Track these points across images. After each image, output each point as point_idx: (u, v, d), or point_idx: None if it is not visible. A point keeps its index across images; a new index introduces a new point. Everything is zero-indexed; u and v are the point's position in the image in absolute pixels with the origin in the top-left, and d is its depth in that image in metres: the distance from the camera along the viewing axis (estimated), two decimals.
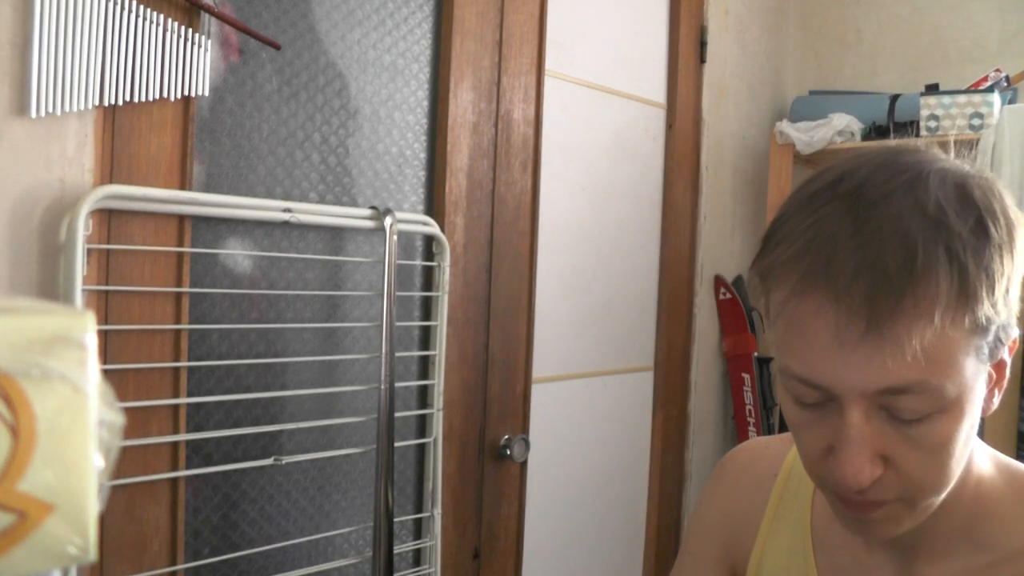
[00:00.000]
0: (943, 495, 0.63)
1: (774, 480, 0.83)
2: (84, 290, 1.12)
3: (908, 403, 0.58)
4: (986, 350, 0.60)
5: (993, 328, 0.59)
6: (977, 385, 0.61)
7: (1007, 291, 0.59)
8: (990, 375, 0.63)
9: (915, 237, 0.56)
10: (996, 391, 0.65)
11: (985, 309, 0.57)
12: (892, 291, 0.55)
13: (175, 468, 1.25)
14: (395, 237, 1.43)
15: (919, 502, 0.62)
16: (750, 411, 2.32)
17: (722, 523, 0.86)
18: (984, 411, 0.64)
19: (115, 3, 1.12)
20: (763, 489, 0.83)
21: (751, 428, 2.33)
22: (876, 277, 0.56)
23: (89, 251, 1.13)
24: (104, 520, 1.17)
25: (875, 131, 2.28)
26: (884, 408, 0.59)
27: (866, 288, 0.56)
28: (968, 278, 0.56)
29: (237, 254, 1.34)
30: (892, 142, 2.23)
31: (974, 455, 0.68)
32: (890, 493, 0.61)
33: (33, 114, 1.06)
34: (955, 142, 0.66)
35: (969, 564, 0.67)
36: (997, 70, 2.23)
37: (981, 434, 2.25)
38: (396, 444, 1.47)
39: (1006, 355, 0.63)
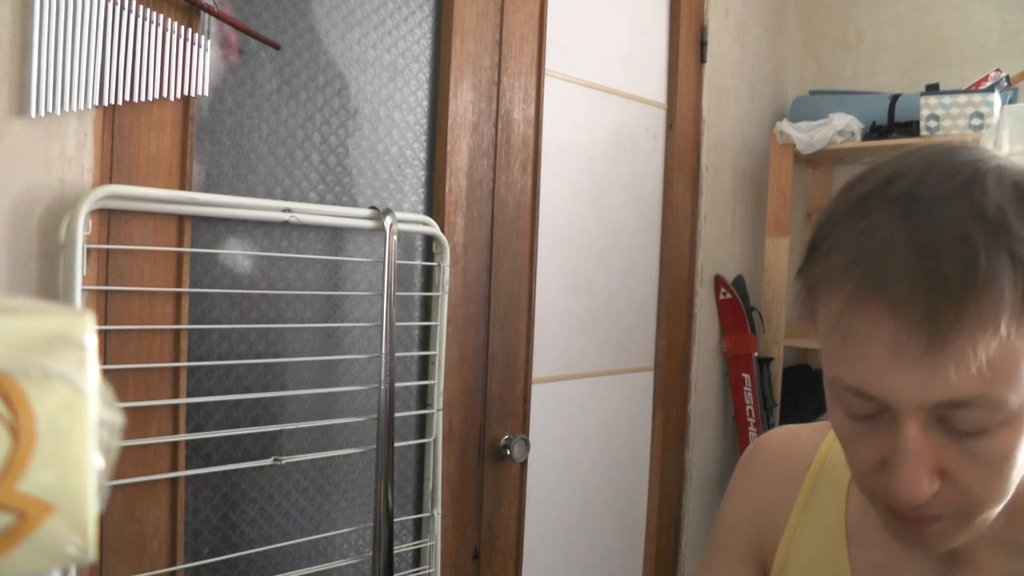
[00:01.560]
0: (999, 508, 0.60)
1: (806, 472, 0.80)
2: (84, 290, 1.12)
3: (968, 416, 0.55)
4: None
5: None
6: None
7: None
8: None
9: (976, 243, 0.53)
10: None
11: None
12: (954, 302, 0.52)
13: (175, 468, 1.25)
14: (395, 237, 1.43)
15: (975, 516, 0.60)
16: (750, 411, 2.32)
17: (751, 515, 0.83)
18: None
19: (115, 3, 1.12)
20: (794, 480, 0.80)
21: (751, 428, 2.33)
22: (936, 287, 0.53)
23: (89, 251, 1.13)
24: (104, 520, 1.17)
25: (875, 131, 2.28)
26: (941, 420, 0.56)
27: (926, 299, 0.53)
28: None
29: (237, 254, 1.34)
30: (916, 141, 2.23)
31: None
32: (947, 508, 0.58)
33: (33, 114, 1.06)
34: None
35: (1011, 569, 0.66)
36: (997, 70, 2.23)
37: None
38: (396, 444, 1.47)
39: None
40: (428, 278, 1.60)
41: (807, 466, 0.80)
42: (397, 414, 1.49)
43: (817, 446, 0.81)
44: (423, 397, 1.59)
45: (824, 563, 0.75)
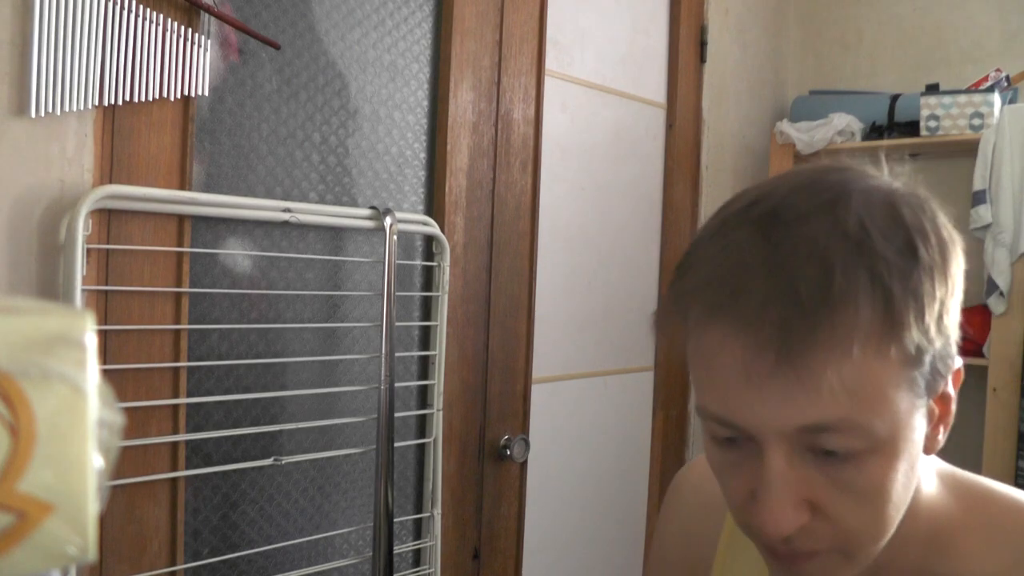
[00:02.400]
0: (882, 543, 0.57)
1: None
2: (84, 290, 1.12)
3: (834, 441, 0.52)
4: (922, 383, 0.54)
5: (927, 358, 0.53)
6: (913, 422, 0.55)
7: (940, 317, 0.54)
8: (931, 410, 0.57)
9: (832, 260, 0.51)
10: (942, 428, 0.59)
11: (914, 337, 0.52)
12: (805, 320, 0.50)
13: (175, 468, 1.25)
14: (395, 237, 1.43)
15: (855, 553, 0.56)
16: None
17: (680, 550, 0.81)
18: (927, 450, 0.58)
19: (115, 3, 1.12)
20: (718, 513, 0.77)
21: None
22: (788, 305, 0.50)
23: (89, 251, 1.13)
24: (104, 520, 1.17)
25: (875, 131, 2.28)
26: (809, 449, 0.53)
27: (776, 317, 0.51)
28: (893, 303, 0.51)
29: (237, 254, 1.34)
30: (916, 141, 2.23)
31: (922, 485, 0.62)
32: (821, 543, 0.55)
33: (33, 114, 1.06)
34: (888, 154, 0.61)
35: None
36: (997, 70, 2.23)
37: (980, 435, 2.22)
38: (396, 444, 1.47)
39: (950, 388, 0.58)
40: (428, 278, 1.60)
41: None
42: (397, 414, 1.49)
43: None
44: (423, 397, 1.59)
45: None
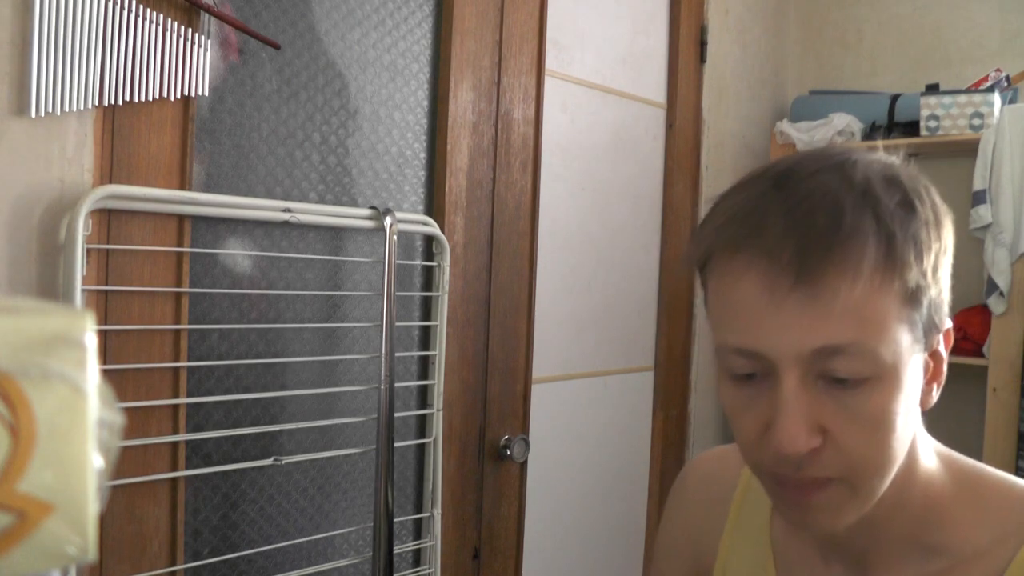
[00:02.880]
0: (886, 479, 0.61)
1: (733, 493, 0.81)
2: (84, 290, 1.12)
3: (843, 366, 0.57)
4: (920, 326, 0.59)
5: (924, 301, 0.59)
6: (912, 362, 0.60)
7: (936, 268, 0.60)
8: (927, 364, 0.62)
9: (843, 202, 0.57)
10: (935, 385, 0.64)
11: (914, 276, 0.58)
12: (820, 246, 0.56)
13: (175, 468, 1.25)
14: (395, 237, 1.43)
15: (861, 484, 0.60)
16: None
17: (686, 541, 0.85)
18: (923, 404, 0.63)
19: (115, 3, 1.12)
20: (723, 502, 0.81)
21: None
22: (804, 235, 0.57)
23: (89, 251, 1.13)
24: (104, 520, 1.17)
25: (875, 131, 2.28)
26: (821, 377, 0.58)
27: (795, 245, 0.57)
28: (895, 243, 0.57)
29: (237, 254, 1.34)
30: (916, 141, 2.23)
31: (919, 455, 0.66)
32: (829, 470, 0.59)
33: (33, 114, 1.06)
34: (886, 149, 0.67)
35: (922, 571, 0.66)
36: (997, 70, 2.23)
37: (980, 435, 2.22)
38: (396, 444, 1.47)
39: (942, 347, 0.63)
40: (428, 278, 1.60)
41: (734, 487, 0.81)
42: (397, 414, 1.49)
43: (742, 466, 0.82)
44: (423, 397, 1.59)
45: None
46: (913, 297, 0.58)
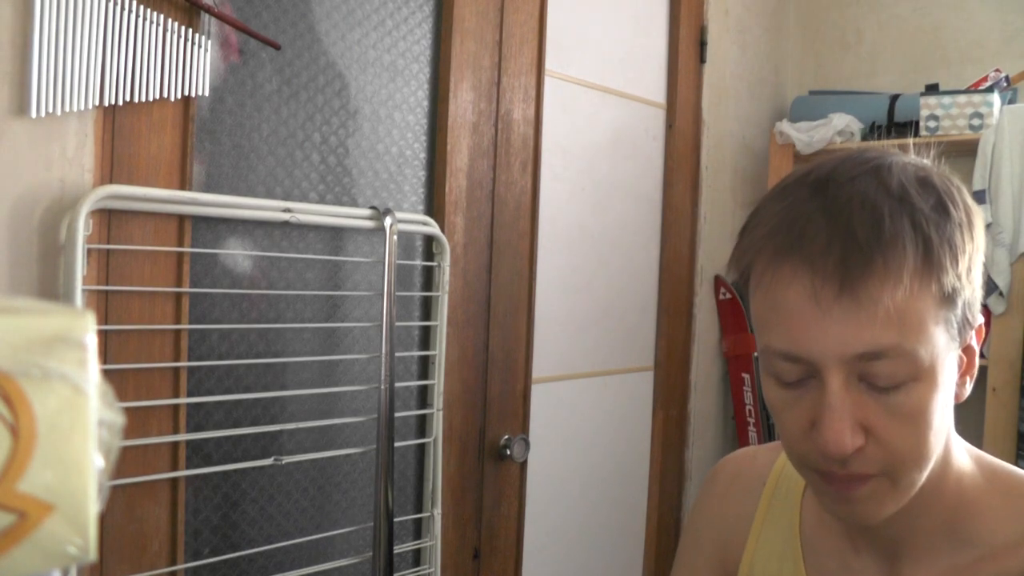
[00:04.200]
0: (924, 471, 0.64)
1: (763, 488, 0.83)
2: (84, 290, 1.12)
3: (884, 368, 0.60)
4: (955, 325, 0.62)
5: (960, 302, 0.62)
6: (948, 360, 0.63)
7: (969, 269, 0.62)
8: (960, 359, 0.65)
9: (881, 209, 0.60)
10: (968, 378, 0.67)
11: (950, 279, 0.60)
12: (862, 255, 0.59)
13: (175, 468, 1.25)
14: (395, 237, 1.43)
15: (901, 476, 0.63)
16: (750, 411, 2.32)
17: (715, 534, 0.87)
18: (957, 396, 0.66)
19: (115, 3, 1.12)
20: (752, 496, 0.84)
21: (751, 428, 2.33)
22: (847, 244, 0.59)
23: (89, 251, 1.13)
24: (104, 520, 1.17)
25: (875, 131, 2.28)
26: (863, 379, 0.61)
27: (838, 254, 0.59)
28: (932, 247, 0.60)
29: (237, 254, 1.34)
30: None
31: (952, 450, 0.69)
32: (872, 466, 0.62)
33: (33, 114, 1.06)
34: (915, 145, 0.70)
35: (953, 562, 0.68)
36: (997, 70, 2.23)
37: (980, 435, 2.23)
38: (396, 444, 1.47)
39: (974, 342, 0.66)
40: (428, 278, 1.60)
41: (764, 483, 0.84)
42: (397, 414, 1.49)
43: (772, 463, 0.85)
44: (423, 397, 1.59)
45: (785, 573, 0.78)
46: (949, 299, 0.61)
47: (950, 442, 0.68)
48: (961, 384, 0.66)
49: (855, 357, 0.60)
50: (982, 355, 2.11)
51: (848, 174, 0.63)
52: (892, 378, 0.60)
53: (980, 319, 0.66)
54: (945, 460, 0.67)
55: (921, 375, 0.60)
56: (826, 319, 0.60)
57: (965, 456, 0.71)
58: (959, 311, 0.62)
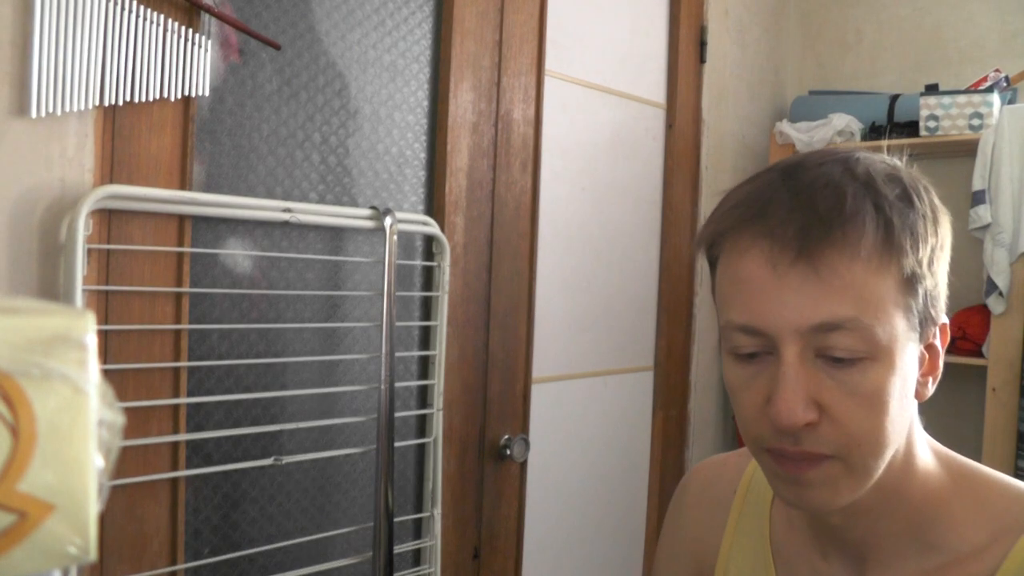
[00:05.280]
0: (880, 459, 0.63)
1: (733, 496, 0.83)
2: (84, 290, 1.12)
3: (841, 340, 0.60)
4: (916, 315, 0.62)
5: (920, 290, 0.62)
6: (908, 349, 0.62)
7: (932, 261, 0.62)
8: (922, 356, 0.65)
9: (845, 189, 0.61)
10: (931, 379, 0.66)
11: (911, 262, 0.60)
12: (822, 226, 0.59)
13: (175, 468, 1.25)
14: (395, 237, 1.43)
15: (856, 461, 0.62)
16: None
17: (688, 544, 0.86)
18: (918, 395, 0.65)
19: (115, 3, 1.12)
20: (723, 506, 0.83)
21: None
22: (807, 215, 0.60)
23: (89, 251, 1.13)
24: (104, 520, 1.17)
25: (875, 131, 2.28)
26: (819, 355, 0.61)
27: (798, 223, 0.60)
28: (893, 229, 0.60)
29: (237, 254, 1.34)
30: (916, 141, 2.23)
31: (916, 449, 0.67)
32: (825, 446, 0.61)
33: (33, 114, 1.07)
34: (888, 150, 0.70)
35: (920, 566, 0.67)
36: (997, 70, 2.23)
37: (980, 435, 2.22)
38: (396, 444, 1.47)
39: (937, 341, 0.66)
40: (428, 278, 1.60)
41: (734, 491, 0.83)
42: (397, 414, 1.49)
43: (742, 470, 0.84)
44: (423, 397, 1.59)
45: None
46: (909, 284, 0.61)
47: (913, 439, 0.67)
48: (923, 383, 0.66)
49: (811, 328, 0.60)
50: (982, 355, 2.11)
51: (817, 161, 0.64)
52: (849, 351, 0.60)
53: (944, 318, 0.66)
54: (908, 459, 0.66)
55: (878, 355, 0.60)
56: (783, 287, 0.60)
57: (930, 455, 0.69)
58: (920, 301, 0.62)
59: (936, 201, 0.65)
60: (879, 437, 0.62)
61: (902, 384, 0.62)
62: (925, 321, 0.63)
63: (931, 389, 0.66)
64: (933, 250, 0.63)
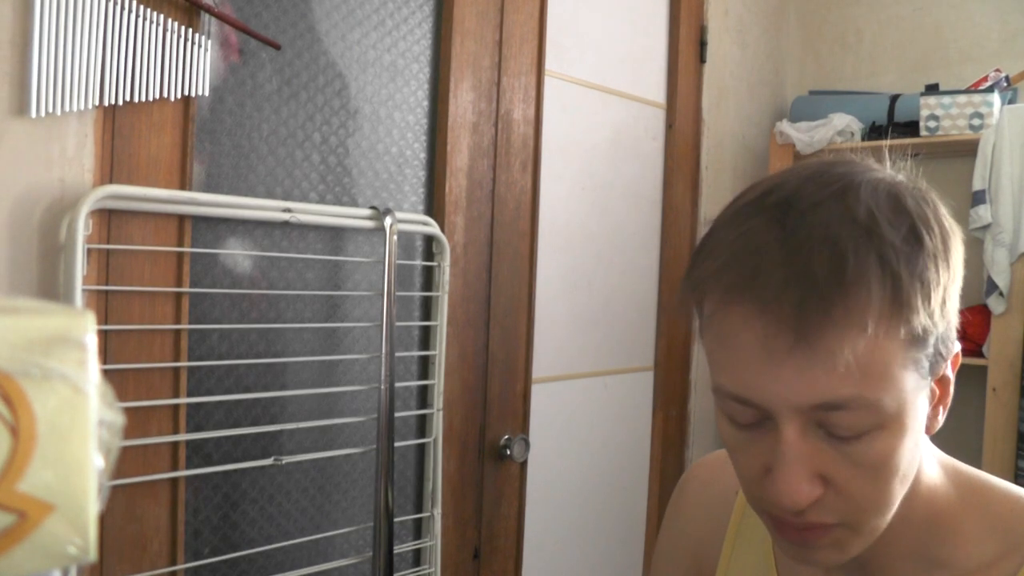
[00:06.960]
0: (888, 517, 0.60)
1: (735, 497, 0.80)
2: (84, 290, 1.12)
3: (845, 419, 0.55)
4: (926, 364, 0.57)
5: (931, 340, 0.57)
6: (918, 401, 0.58)
7: (944, 302, 0.57)
8: (933, 391, 0.60)
9: (845, 245, 0.54)
10: (941, 409, 0.62)
11: (921, 319, 0.55)
12: (821, 301, 0.53)
13: (175, 468, 1.25)
14: (395, 237, 1.43)
15: (863, 526, 0.59)
16: None
17: (687, 545, 0.84)
18: (928, 429, 0.61)
19: (115, 3, 1.12)
20: (725, 507, 0.80)
21: None
22: (804, 287, 0.53)
23: (89, 251, 1.13)
24: (104, 520, 1.17)
25: (875, 131, 2.28)
26: (821, 425, 0.56)
27: (794, 298, 0.53)
28: (901, 286, 0.54)
29: (237, 254, 1.34)
30: (916, 141, 2.23)
31: (923, 464, 0.64)
32: (831, 516, 0.58)
33: (33, 114, 1.06)
34: (890, 151, 0.64)
35: None
36: (997, 70, 2.23)
37: (980, 435, 2.22)
38: (396, 444, 1.47)
39: (949, 371, 0.61)
40: (428, 278, 1.60)
41: (736, 491, 0.80)
42: (397, 414, 1.49)
43: None
44: (423, 397, 1.59)
45: None
46: (920, 340, 0.56)
47: (920, 461, 0.63)
48: (933, 416, 0.61)
49: (811, 407, 0.55)
50: (982, 355, 2.11)
51: (811, 199, 0.56)
52: (853, 428, 0.55)
53: (956, 347, 0.61)
54: (914, 482, 0.63)
55: (886, 423, 0.55)
56: (780, 370, 0.54)
57: (936, 469, 0.66)
58: (931, 350, 0.57)
59: (945, 223, 0.59)
60: (887, 500, 0.59)
61: (912, 440, 0.58)
62: (936, 363, 0.58)
63: (941, 420, 0.62)
64: (945, 290, 0.57)
